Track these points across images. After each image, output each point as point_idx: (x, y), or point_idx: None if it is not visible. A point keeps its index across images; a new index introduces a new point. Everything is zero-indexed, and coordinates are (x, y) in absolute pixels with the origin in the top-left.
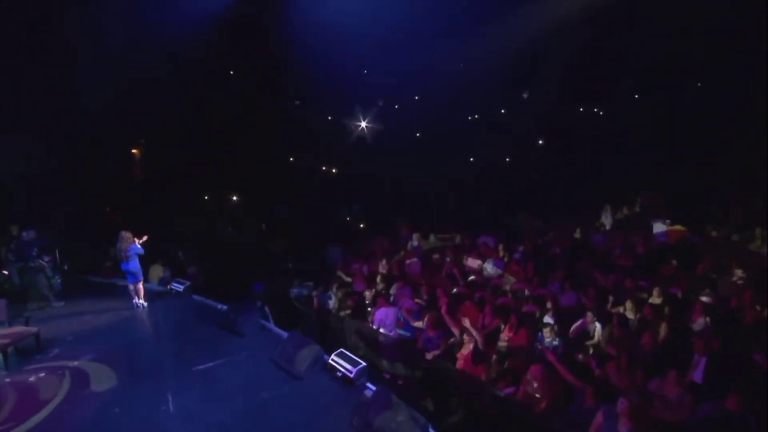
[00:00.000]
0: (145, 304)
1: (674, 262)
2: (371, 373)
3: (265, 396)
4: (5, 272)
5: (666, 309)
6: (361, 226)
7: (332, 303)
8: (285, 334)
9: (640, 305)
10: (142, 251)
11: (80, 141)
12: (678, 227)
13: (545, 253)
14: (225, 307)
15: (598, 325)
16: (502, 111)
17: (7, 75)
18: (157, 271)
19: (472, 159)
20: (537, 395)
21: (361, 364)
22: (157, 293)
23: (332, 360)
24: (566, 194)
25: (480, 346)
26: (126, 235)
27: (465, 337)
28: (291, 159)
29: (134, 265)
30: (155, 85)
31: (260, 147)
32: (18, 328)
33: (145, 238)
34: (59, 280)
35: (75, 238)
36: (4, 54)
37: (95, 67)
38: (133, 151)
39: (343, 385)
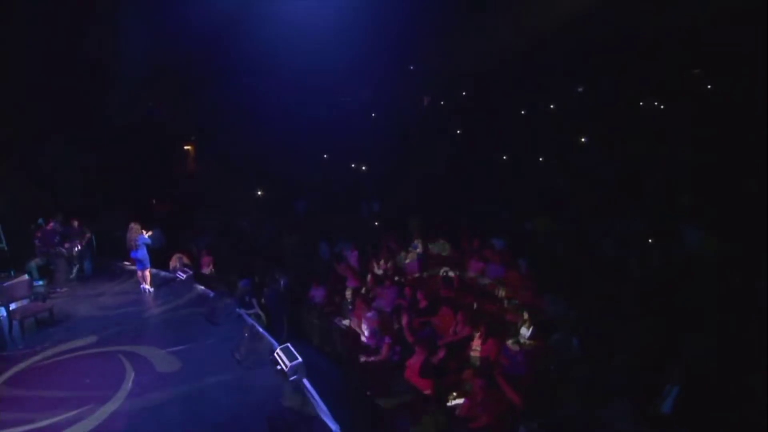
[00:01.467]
0: (151, 289)
1: None
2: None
3: (209, 381)
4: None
5: None
6: (376, 224)
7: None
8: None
9: None
10: (149, 241)
11: (133, 138)
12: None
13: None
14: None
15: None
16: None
17: (64, 73)
18: (175, 261)
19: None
20: (479, 410)
21: (297, 360)
22: (166, 280)
23: (276, 353)
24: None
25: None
26: (135, 226)
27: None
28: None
29: (142, 253)
30: (207, 84)
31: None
32: (36, 303)
33: (150, 232)
34: (90, 265)
35: (119, 227)
36: (62, 53)
37: (147, 67)
38: (186, 147)
39: (283, 378)
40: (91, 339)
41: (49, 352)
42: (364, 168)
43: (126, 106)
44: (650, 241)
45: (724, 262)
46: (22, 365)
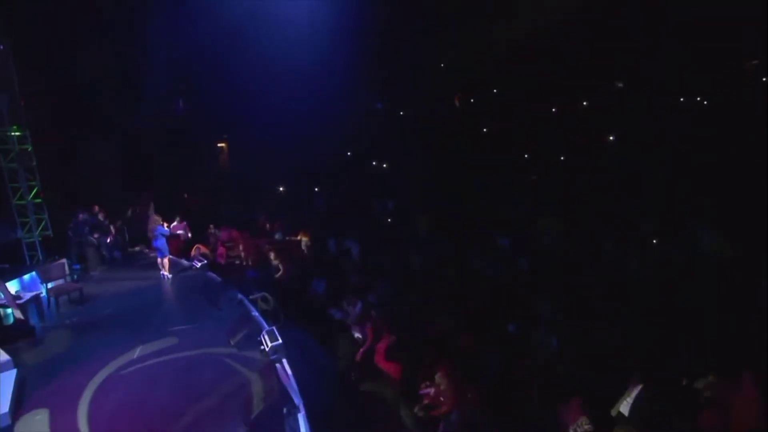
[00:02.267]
0: (169, 275)
1: None
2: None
3: (199, 355)
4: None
5: None
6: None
7: None
8: (254, 310)
9: None
10: (166, 232)
11: (171, 136)
12: None
13: None
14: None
15: None
16: None
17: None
18: (194, 250)
19: None
20: (441, 399)
21: (278, 341)
22: (184, 268)
23: (262, 335)
24: None
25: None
26: (155, 218)
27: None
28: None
29: (161, 242)
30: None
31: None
32: (70, 284)
33: (167, 224)
34: (120, 253)
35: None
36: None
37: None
38: (220, 144)
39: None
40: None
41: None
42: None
43: (162, 106)
44: (654, 241)
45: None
46: None
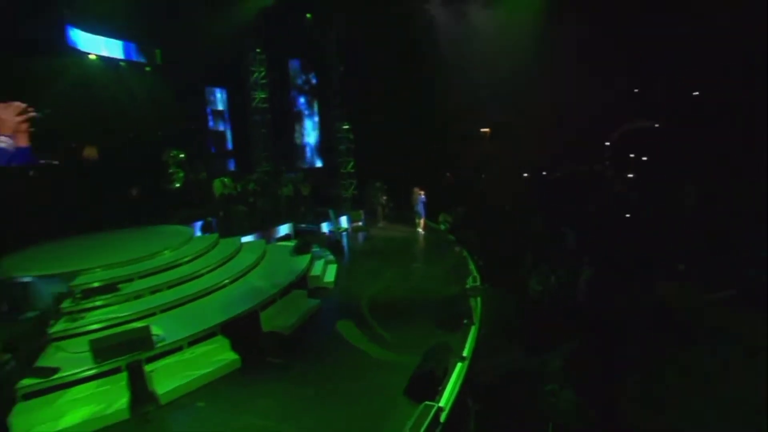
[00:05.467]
0: (423, 231)
1: None
2: None
3: None
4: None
5: None
6: None
7: None
8: None
9: None
10: (425, 200)
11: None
12: None
13: None
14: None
15: None
16: None
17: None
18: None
19: None
20: None
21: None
22: (433, 230)
23: None
24: None
25: None
26: (416, 189)
27: None
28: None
29: (420, 207)
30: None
31: None
32: (361, 226)
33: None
34: (393, 213)
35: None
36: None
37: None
38: (484, 130)
39: None
40: None
41: None
42: None
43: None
44: None
45: None
46: None
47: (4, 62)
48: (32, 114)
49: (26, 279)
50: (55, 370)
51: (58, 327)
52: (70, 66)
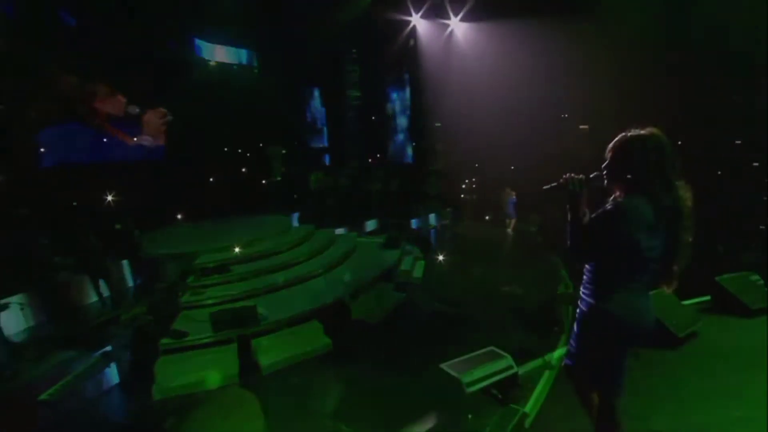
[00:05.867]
0: (511, 231)
1: None
2: None
3: None
4: None
5: None
6: None
7: None
8: None
9: None
10: (514, 200)
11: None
12: None
13: None
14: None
15: None
16: None
17: None
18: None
19: None
20: None
21: None
22: (521, 231)
23: None
24: None
25: None
26: (507, 190)
27: None
28: None
29: (510, 208)
30: None
31: None
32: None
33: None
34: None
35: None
36: None
37: None
38: (582, 126)
39: None
40: None
41: None
42: None
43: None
44: None
45: None
46: None
47: (145, 74)
48: (170, 118)
49: (159, 256)
50: (186, 334)
51: (186, 299)
52: (196, 72)
